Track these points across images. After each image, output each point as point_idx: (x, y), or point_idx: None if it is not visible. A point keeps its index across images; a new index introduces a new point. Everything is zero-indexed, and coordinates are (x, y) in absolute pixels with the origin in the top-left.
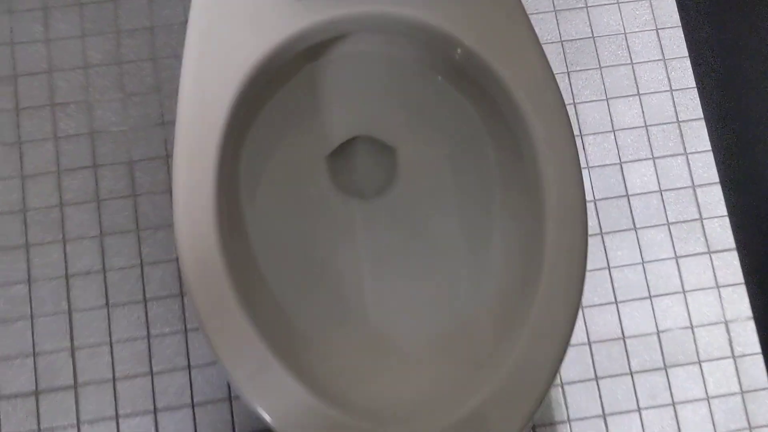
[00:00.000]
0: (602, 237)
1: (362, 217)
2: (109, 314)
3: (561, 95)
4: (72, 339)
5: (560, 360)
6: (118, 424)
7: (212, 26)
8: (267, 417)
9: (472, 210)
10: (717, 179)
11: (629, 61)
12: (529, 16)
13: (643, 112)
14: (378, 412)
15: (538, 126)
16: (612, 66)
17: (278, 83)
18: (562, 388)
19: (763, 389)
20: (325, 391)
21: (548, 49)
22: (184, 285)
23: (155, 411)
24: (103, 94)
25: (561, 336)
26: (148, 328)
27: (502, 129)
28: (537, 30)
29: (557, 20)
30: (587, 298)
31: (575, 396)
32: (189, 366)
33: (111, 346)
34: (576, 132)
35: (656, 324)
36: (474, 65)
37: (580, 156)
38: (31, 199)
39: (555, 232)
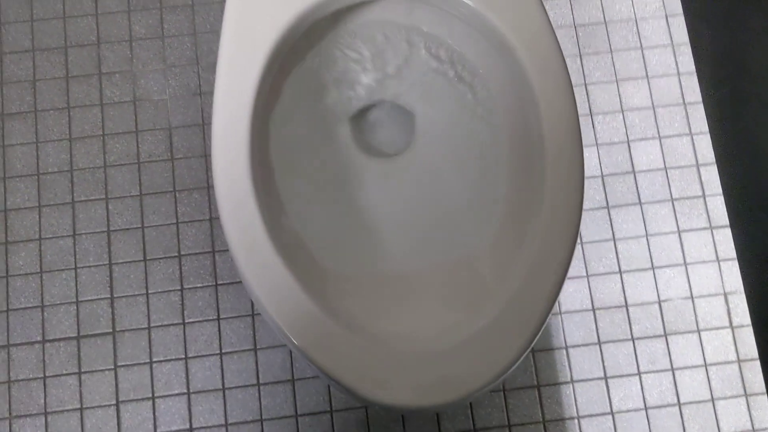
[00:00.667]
0: (608, 210)
1: (380, 173)
2: (146, 268)
3: (561, 53)
4: (112, 289)
5: (557, 293)
6: (151, 368)
7: None
8: (292, 339)
9: (481, 168)
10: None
11: (639, 46)
12: (545, 2)
13: (650, 94)
14: (388, 337)
15: (539, 83)
16: (622, 50)
17: (307, 47)
18: (567, 351)
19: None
20: (342, 318)
21: (561, 33)
22: (222, 235)
23: (186, 358)
24: (146, 65)
25: (558, 272)
26: (181, 281)
27: (510, 92)
28: (551, 14)
29: (571, 5)
30: (593, 267)
31: (579, 359)
32: (218, 318)
33: (147, 297)
34: (586, 111)
35: (658, 294)
36: (479, 25)
37: (589, 134)
38: (78, 159)
39: (553, 179)
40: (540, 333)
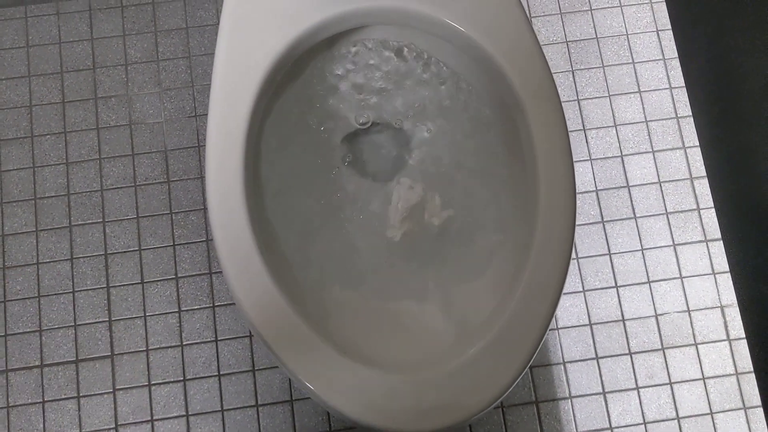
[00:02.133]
0: (603, 225)
1: (374, 193)
2: (143, 290)
3: (550, 71)
4: (110, 312)
5: (552, 312)
6: (150, 391)
7: (242, 18)
8: (287, 365)
9: (475, 189)
10: None
11: (630, 61)
12: (536, 18)
13: (643, 108)
14: (385, 361)
15: (530, 104)
16: (614, 65)
17: (301, 69)
18: (564, 366)
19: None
20: (339, 342)
21: (553, 49)
22: (217, 259)
23: (184, 380)
24: (142, 88)
25: (552, 294)
26: (179, 303)
27: (501, 112)
28: (543, 31)
29: (563, 22)
30: (589, 282)
31: (577, 374)
32: (216, 339)
33: (145, 320)
34: (579, 126)
35: (654, 307)
36: (470, 49)
37: (583, 148)
38: (75, 183)
39: (546, 199)
40: (537, 352)
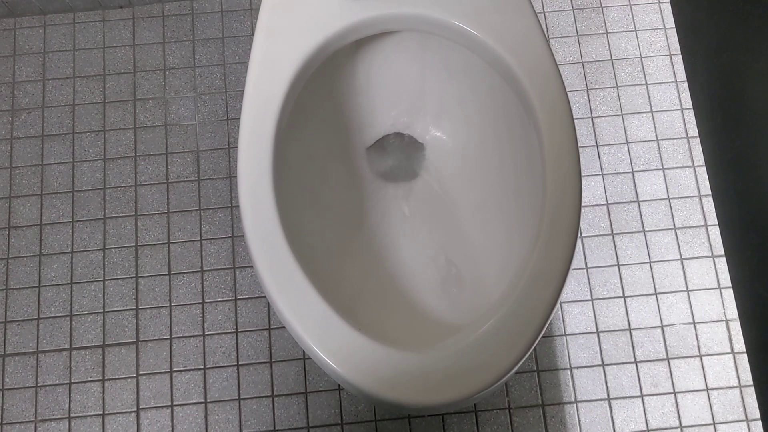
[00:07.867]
0: (613, 237)
1: (393, 194)
2: (170, 282)
3: (562, 81)
4: (137, 301)
5: (555, 300)
6: (171, 378)
7: (275, 22)
8: (309, 342)
9: (486, 187)
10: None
11: (644, 82)
12: (554, 39)
13: (654, 127)
14: (398, 341)
15: (541, 109)
16: (628, 86)
17: (328, 74)
18: (571, 372)
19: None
20: (357, 323)
21: (570, 69)
22: (249, 254)
23: (205, 368)
24: (178, 92)
25: (557, 280)
26: (203, 295)
27: (516, 119)
28: (561, 51)
29: (579, 44)
30: (597, 291)
31: (583, 380)
32: (237, 331)
33: (170, 310)
34: (592, 142)
35: (660, 318)
36: (489, 57)
37: (595, 164)
38: (111, 179)
39: (553, 195)
40: (539, 337)
